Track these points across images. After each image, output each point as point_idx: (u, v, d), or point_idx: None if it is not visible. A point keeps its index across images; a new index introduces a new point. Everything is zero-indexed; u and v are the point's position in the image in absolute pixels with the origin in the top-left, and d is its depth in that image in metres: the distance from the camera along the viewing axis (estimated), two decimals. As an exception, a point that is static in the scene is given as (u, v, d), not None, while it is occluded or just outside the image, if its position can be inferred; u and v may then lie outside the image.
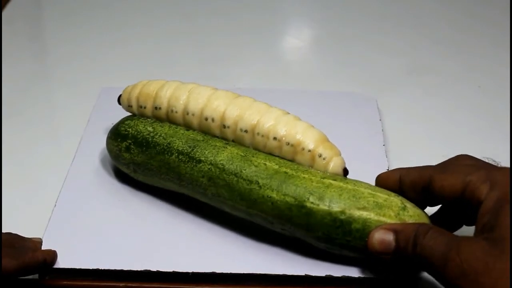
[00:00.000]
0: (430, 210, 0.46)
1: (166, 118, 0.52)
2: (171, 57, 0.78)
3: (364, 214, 0.44)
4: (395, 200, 0.44)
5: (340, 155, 0.48)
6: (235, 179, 0.47)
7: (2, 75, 0.72)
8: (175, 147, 0.50)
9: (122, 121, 0.54)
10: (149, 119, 0.53)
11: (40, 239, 0.48)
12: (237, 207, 0.47)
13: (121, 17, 0.88)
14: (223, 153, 0.48)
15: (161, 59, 0.77)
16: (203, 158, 0.48)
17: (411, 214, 0.44)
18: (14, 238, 0.46)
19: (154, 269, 0.46)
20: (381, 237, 0.43)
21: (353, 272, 0.45)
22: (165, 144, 0.50)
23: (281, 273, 0.45)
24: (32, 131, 0.65)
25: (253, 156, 0.48)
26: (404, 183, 0.45)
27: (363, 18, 0.87)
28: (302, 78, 0.75)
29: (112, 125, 0.54)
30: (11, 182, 0.56)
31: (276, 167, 0.47)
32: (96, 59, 0.78)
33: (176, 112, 0.51)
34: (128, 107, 0.54)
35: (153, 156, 0.50)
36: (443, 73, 0.74)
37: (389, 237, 0.43)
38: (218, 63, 0.77)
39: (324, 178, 0.46)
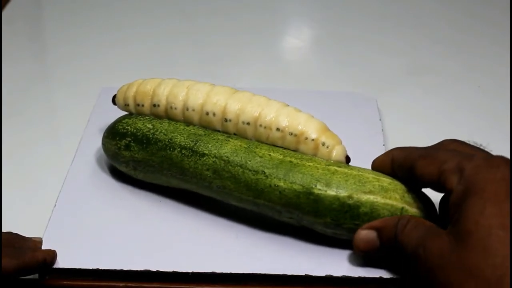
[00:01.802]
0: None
1: (165, 115, 0.52)
2: (171, 57, 0.78)
3: (371, 197, 0.44)
4: (399, 183, 0.45)
5: (341, 143, 0.48)
6: (241, 170, 0.47)
7: (2, 75, 0.72)
8: (177, 142, 0.50)
9: (118, 120, 0.54)
10: (147, 117, 0.53)
11: (40, 239, 0.48)
12: (243, 198, 0.47)
13: (121, 17, 0.88)
14: (226, 146, 0.48)
15: (161, 59, 0.77)
16: (206, 152, 0.49)
17: (415, 196, 0.45)
18: (14, 238, 0.46)
19: (154, 269, 0.46)
20: (365, 237, 0.43)
21: (353, 272, 0.45)
22: (167, 140, 0.50)
23: (281, 273, 0.45)
24: (32, 131, 0.65)
25: (256, 148, 0.48)
26: (394, 165, 0.45)
27: (363, 18, 0.87)
28: (302, 78, 0.75)
29: (109, 126, 0.54)
30: (11, 182, 0.56)
31: (281, 157, 0.47)
32: (96, 59, 0.77)
33: (176, 108, 0.51)
34: (125, 106, 0.54)
35: (154, 153, 0.50)
36: (443, 73, 0.74)
37: (373, 235, 0.43)
38: (218, 63, 0.77)
39: (329, 165, 0.46)
